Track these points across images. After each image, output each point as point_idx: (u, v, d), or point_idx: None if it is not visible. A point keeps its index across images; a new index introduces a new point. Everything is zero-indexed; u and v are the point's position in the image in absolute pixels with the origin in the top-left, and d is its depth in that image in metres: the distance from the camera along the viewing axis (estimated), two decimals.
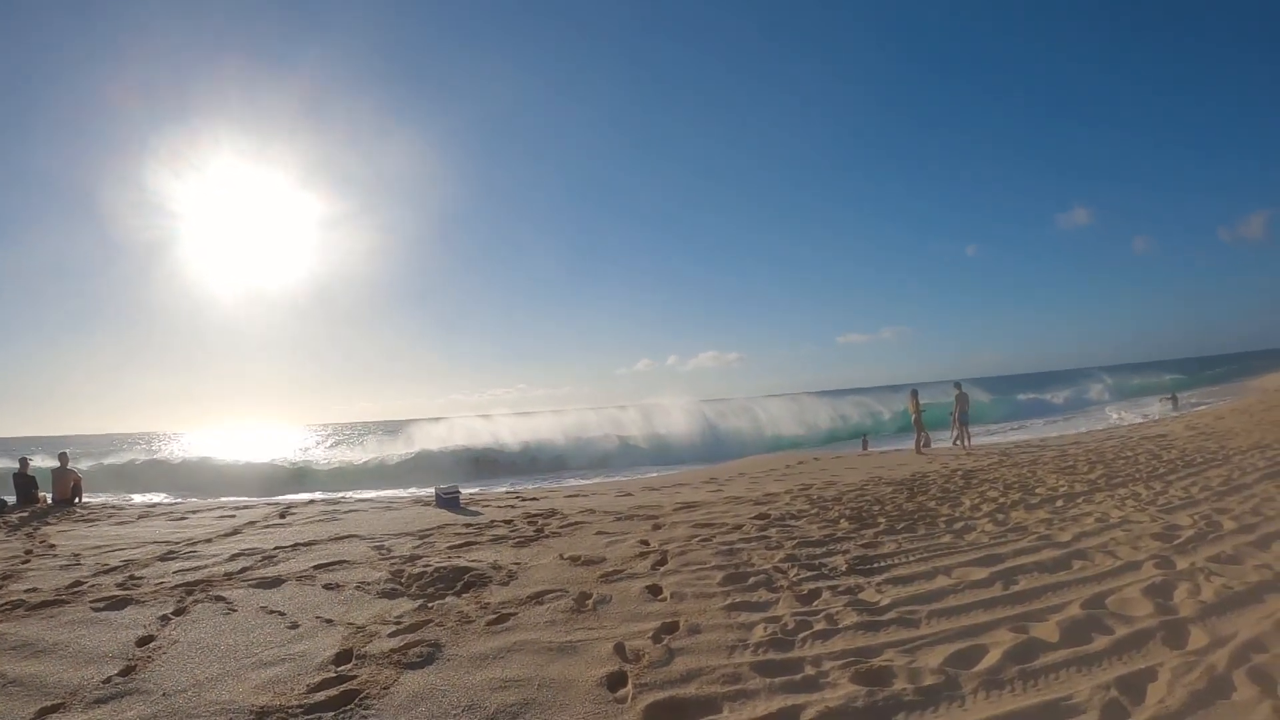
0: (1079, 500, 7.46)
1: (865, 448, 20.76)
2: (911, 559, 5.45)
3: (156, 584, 5.44)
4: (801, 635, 3.95)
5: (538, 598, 4.83)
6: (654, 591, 4.92)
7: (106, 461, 25.61)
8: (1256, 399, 22.72)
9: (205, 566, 6.02)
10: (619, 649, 3.84)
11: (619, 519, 7.86)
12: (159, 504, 12.40)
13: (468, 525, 7.81)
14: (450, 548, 6.55)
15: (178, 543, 7.17)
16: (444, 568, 5.63)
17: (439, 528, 7.68)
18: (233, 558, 6.32)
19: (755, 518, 7.49)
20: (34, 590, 5.34)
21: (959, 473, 10.43)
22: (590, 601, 4.71)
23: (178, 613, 4.69)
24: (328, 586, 5.26)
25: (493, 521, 8.01)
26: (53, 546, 7.29)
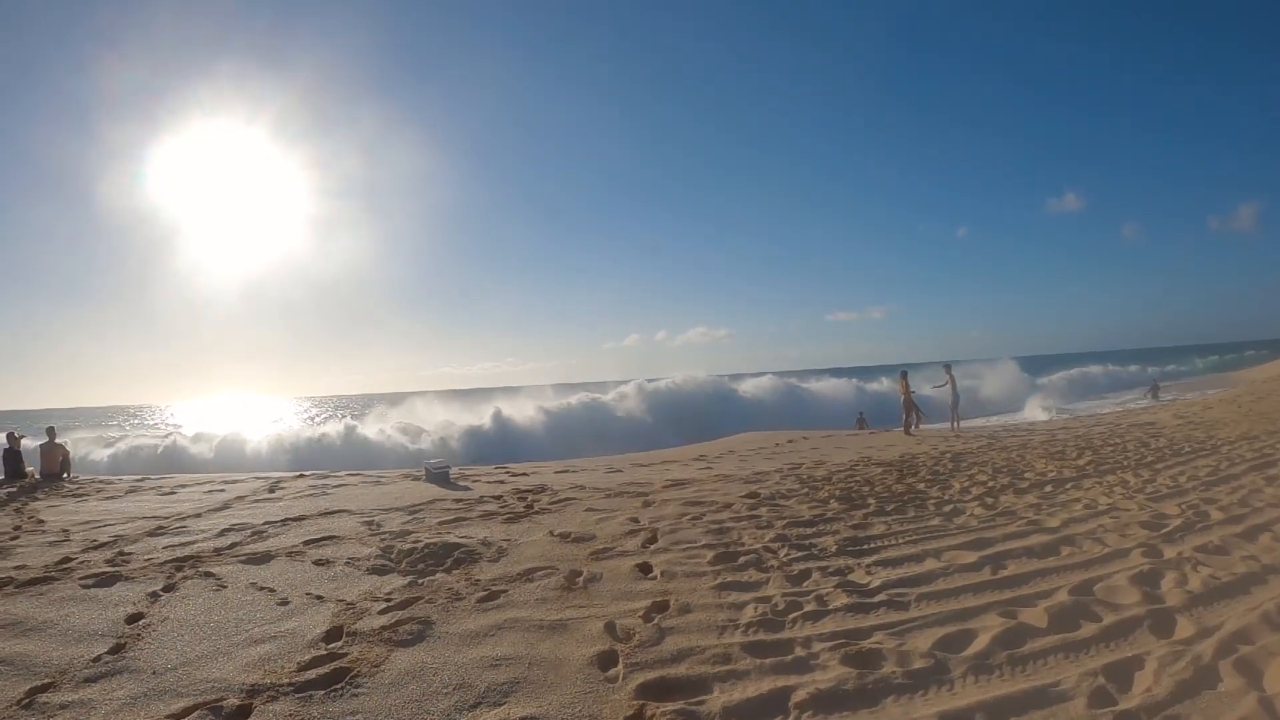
0: (1067, 486, 7.51)
1: (861, 426, 20.79)
2: (901, 541, 5.49)
3: (146, 560, 5.41)
4: (792, 616, 3.97)
5: (528, 575, 4.84)
6: (644, 570, 4.93)
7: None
8: (1245, 389, 22.91)
9: (195, 542, 5.98)
10: (609, 628, 3.85)
11: (609, 496, 7.86)
12: (148, 478, 12.31)
13: (458, 500, 7.80)
14: (440, 523, 6.53)
15: (167, 518, 7.12)
16: (434, 544, 5.62)
17: (429, 503, 7.66)
18: (222, 533, 6.28)
19: (745, 496, 7.51)
20: (23, 567, 5.28)
21: (948, 455, 10.48)
22: (580, 579, 4.72)
23: (167, 589, 4.66)
24: (318, 562, 5.25)
25: (482, 497, 8.00)
26: (41, 522, 7.23)
